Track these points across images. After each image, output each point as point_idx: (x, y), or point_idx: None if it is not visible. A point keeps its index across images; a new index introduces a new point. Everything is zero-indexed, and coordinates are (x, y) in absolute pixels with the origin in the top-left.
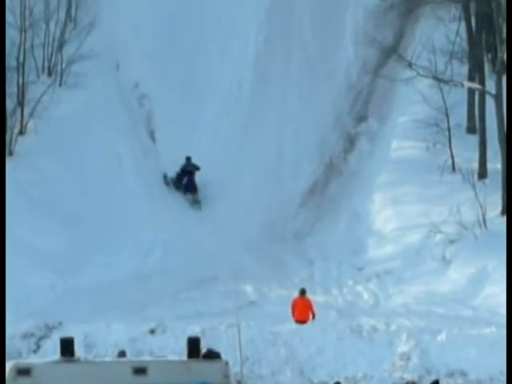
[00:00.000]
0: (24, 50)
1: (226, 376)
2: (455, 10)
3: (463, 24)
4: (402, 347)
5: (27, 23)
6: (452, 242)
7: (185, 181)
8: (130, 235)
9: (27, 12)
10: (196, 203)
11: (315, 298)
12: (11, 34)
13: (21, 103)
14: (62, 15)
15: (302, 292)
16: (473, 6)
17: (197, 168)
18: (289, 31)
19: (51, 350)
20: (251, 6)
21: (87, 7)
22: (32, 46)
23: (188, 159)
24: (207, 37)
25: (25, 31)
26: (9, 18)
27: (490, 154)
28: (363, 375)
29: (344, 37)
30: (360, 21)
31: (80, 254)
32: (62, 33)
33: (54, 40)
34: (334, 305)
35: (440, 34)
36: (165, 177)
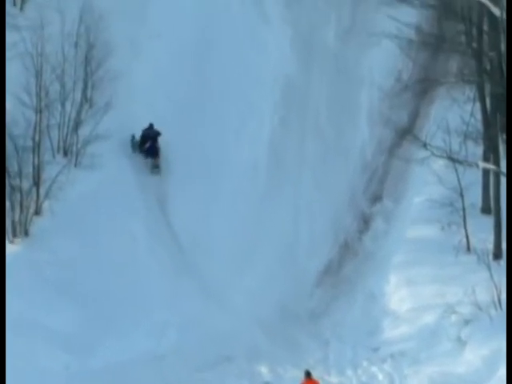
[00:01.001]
0: (40, 130)
1: None
2: (470, 91)
3: (478, 105)
4: None
5: (43, 103)
6: (467, 322)
7: (147, 145)
8: (145, 315)
9: (43, 92)
10: (155, 168)
11: (329, 379)
12: (27, 114)
13: (36, 183)
14: (78, 96)
15: (308, 374)
16: (487, 87)
17: (158, 134)
18: (304, 112)
19: None
20: (267, 86)
21: (103, 88)
22: (48, 127)
23: (151, 125)
24: (223, 117)
25: (40, 111)
26: (25, 98)
27: (505, 235)
28: None
29: (359, 117)
30: (375, 101)
31: (94, 334)
32: (78, 113)
33: (69, 120)
34: None
35: (455, 114)
36: (133, 137)
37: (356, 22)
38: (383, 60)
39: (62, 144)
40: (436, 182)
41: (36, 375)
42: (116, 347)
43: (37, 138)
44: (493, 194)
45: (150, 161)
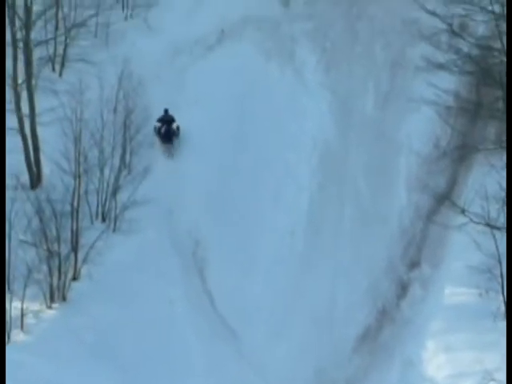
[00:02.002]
0: (78, 195)
1: None
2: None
3: None
4: None
5: (82, 169)
6: None
7: (163, 130)
8: (182, 381)
9: (82, 158)
10: (169, 154)
11: None
12: (66, 179)
13: (74, 248)
14: (117, 161)
15: None
16: None
17: (173, 119)
18: (342, 177)
19: None
20: (305, 152)
21: (141, 153)
22: (86, 192)
23: (166, 111)
24: (260, 183)
25: (79, 177)
26: (63, 163)
27: None
28: None
29: (397, 183)
30: (413, 167)
31: None
32: (116, 179)
33: (108, 186)
34: None
35: (493, 180)
36: (154, 128)
37: (394, 87)
38: (421, 126)
39: (100, 209)
40: (474, 248)
41: None
42: None
43: (75, 203)
44: None
45: (166, 147)
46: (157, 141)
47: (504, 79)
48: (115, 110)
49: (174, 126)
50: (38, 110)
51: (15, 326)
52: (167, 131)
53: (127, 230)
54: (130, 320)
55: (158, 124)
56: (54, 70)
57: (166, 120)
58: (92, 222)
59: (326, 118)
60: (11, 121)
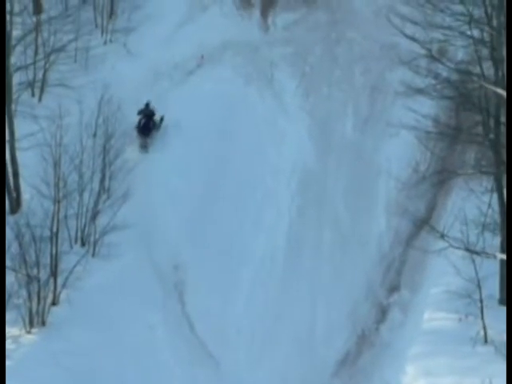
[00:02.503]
0: (58, 220)
1: None
2: (487, 182)
3: (495, 196)
4: None
5: (61, 194)
6: None
7: (142, 123)
8: None
9: (61, 183)
10: (144, 148)
11: None
12: (45, 204)
13: (54, 273)
14: (96, 186)
15: None
16: (504, 179)
17: (153, 113)
18: (322, 201)
19: None
20: (284, 176)
21: (121, 177)
22: (66, 217)
23: (147, 104)
24: (240, 206)
25: (59, 202)
26: (43, 188)
27: None
28: None
29: (376, 207)
30: (392, 191)
31: None
32: (96, 203)
33: (87, 210)
34: None
35: (472, 205)
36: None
37: (373, 112)
38: (401, 150)
39: (79, 234)
40: (453, 272)
41: None
42: None
43: (54, 228)
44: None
45: (141, 140)
46: (134, 133)
47: (483, 104)
48: (95, 135)
49: (157, 117)
50: (17, 135)
51: None
52: (146, 124)
53: (106, 255)
54: (109, 345)
55: (138, 116)
56: (33, 94)
57: (146, 114)
58: (71, 247)
59: (305, 142)
60: None
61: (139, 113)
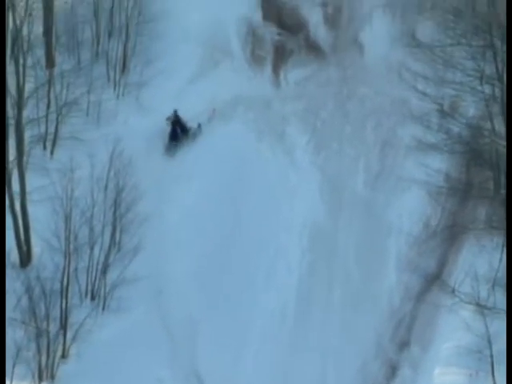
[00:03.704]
0: (68, 274)
1: None
2: (498, 238)
3: (506, 251)
4: None
5: (72, 247)
6: None
7: (169, 129)
8: None
9: (72, 236)
10: (169, 151)
11: None
12: (56, 258)
13: (63, 327)
14: (107, 239)
15: None
16: None
17: (179, 120)
18: (332, 257)
19: None
20: (295, 231)
21: (132, 231)
22: (76, 270)
23: (175, 112)
24: (251, 262)
25: (69, 255)
26: (54, 242)
27: None
28: None
29: (387, 263)
30: (403, 247)
31: None
32: (106, 257)
33: (98, 264)
34: None
35: (483, 260)
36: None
37: (385, 167)
38: (412, 206)
39: (89, 288)
40: (464, 328)
41: None
42: None
43: (65, 281)
44: None
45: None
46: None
47: (494, 160)
48: (106, 188)
49: (192, 125)
50: (28, 188)
51: None
52: (173, 131)
53: (116, 309)
54: None
55: (167, 122)
56: (45, 148)
57: (173, 121)
58: (81, 301)
59: (316, 198)
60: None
61: (167, 119)
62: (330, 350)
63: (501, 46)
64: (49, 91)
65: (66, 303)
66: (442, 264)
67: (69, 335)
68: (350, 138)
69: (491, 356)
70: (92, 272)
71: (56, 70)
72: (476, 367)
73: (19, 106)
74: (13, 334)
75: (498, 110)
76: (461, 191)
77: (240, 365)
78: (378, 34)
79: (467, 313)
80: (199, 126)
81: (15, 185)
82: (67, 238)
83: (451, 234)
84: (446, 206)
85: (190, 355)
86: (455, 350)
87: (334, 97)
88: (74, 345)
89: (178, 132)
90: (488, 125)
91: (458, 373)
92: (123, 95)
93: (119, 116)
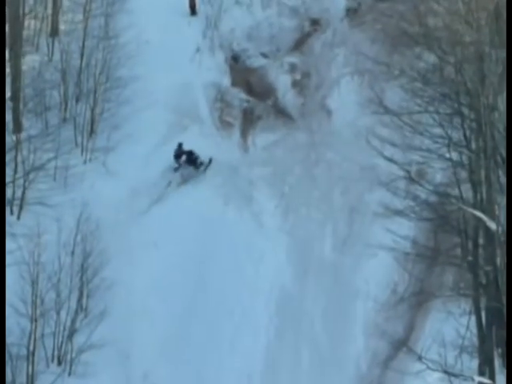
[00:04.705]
0: (34, 339)
1: None
2: (465, 305)
3: (473, 318)
4: None
5: (38, 312)
6: None
7: (183, 159)
8: None
9: (38, 301)
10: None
11: None
12: (22, 322)
13: None
14: (74, 304)
15: None
16: (483, 301)
17: (183, 153)
18: (299, 322)
19: None
20: (262, 297)
21: (99, 296)
22: (42, 335)
23: (179, 145)
24: (218, 325)
25: (35, 320)
26: (20, 306)
27: None
28: None
29: (354, 328)
30: (370, 313)
31: None
32: (73, 322)
33: (64, 329)
34: None
35: (450, 327)
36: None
37: (352, 233)
38: (379, 272)
39: (56, 352)
40: None
41: None
42: None
43: (31, 346)
44: None
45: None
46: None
47: (462, 226)
48: (73, 253)
49: (203, 160)
50: None
51: None
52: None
53: (83, 374)
54: None
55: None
56: (12, 213)
57: (176, 154)
58: (48, 366)
59: (283, 262)
60: None
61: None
62: None
63: (468, 114)
64: (16, 156)
65: (33, 369)
66: (409, 330)
67: None
68: (317, 202)
69: None
70: (58, 337)
71: (23, 135)
72: None
73: None
74: None
75: (465, 176)
76: (428, 257)
77: None
78: (345, 99)
79: (434, 379)
80: (210, 160)
81: None
82: (34, 303)
83: (418, 301)
84: (413, 272)
85: None
86: None
87: (302, 162)
88: None
89: (179, 163)
90: (455, 191)
91: None
92: (90, 160)
93: (86, 181)
